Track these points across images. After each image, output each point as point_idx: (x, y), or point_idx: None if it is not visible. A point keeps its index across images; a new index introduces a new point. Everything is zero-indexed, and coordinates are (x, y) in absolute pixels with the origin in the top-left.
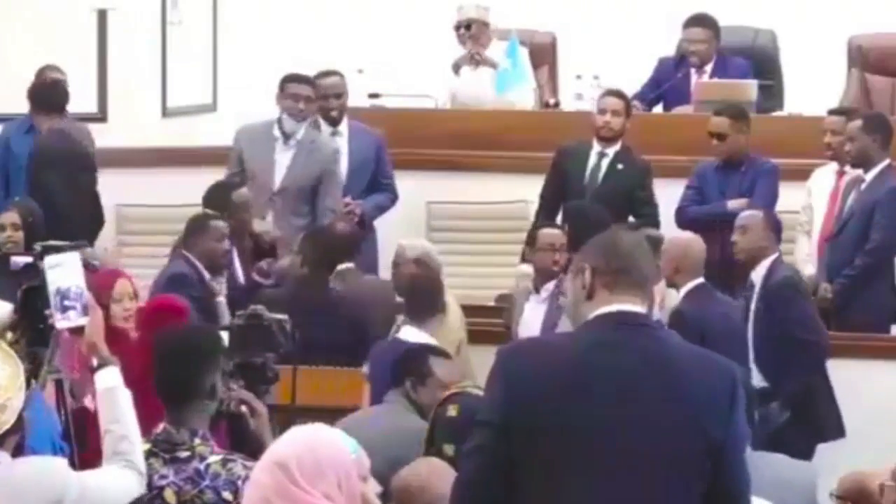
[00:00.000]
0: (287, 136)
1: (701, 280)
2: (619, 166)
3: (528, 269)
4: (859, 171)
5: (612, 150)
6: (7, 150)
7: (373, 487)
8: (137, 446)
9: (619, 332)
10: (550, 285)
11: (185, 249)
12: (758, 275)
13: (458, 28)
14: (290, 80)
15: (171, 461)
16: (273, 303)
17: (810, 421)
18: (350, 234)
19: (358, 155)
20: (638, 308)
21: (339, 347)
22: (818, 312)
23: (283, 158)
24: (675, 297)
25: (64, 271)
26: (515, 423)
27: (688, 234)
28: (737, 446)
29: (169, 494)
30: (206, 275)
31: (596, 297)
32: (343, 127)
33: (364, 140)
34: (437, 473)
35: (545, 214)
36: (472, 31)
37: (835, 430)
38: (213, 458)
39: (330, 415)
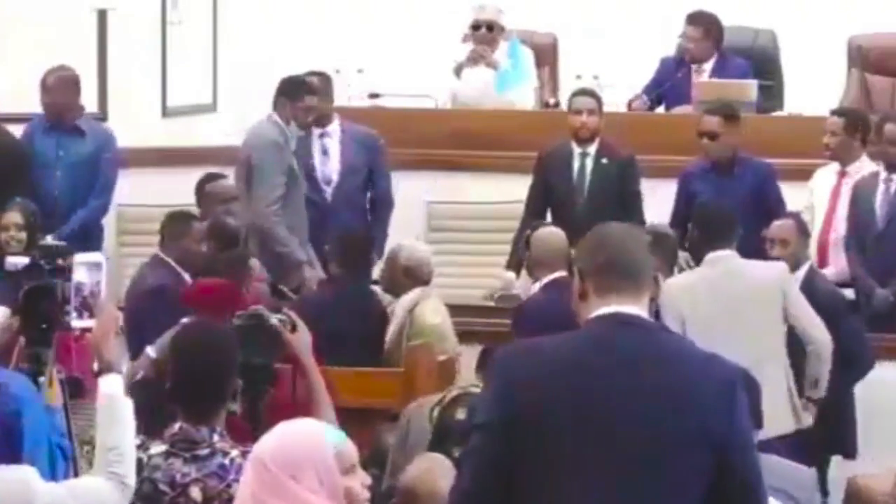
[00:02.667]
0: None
1: (560, 273)
2: (604, 161)
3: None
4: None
5: (592, 148)
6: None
7: (362, 479)
8: (128, 458)
9: (614, 332)
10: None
11: (162, 249)
12: (794, 279)
13: (478, 27)
14: (307, 91)
15: (192, 459)
16: (315, 305)
17: (833, 431)
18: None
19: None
20: (629, 307)
21: (375, 342)
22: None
23: (293, 162)
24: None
25: (87, 271)
26: (515, 423)
27: (550, 228)
28: (741, 443)
29: (195, 492)
30: (186, 276)
31: (589, 300)
32: (335, 127)
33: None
34: (440, 473)
35: (531, 221)
36: (493, 33)
37: (851, 447)
38: (234, 453)
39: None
